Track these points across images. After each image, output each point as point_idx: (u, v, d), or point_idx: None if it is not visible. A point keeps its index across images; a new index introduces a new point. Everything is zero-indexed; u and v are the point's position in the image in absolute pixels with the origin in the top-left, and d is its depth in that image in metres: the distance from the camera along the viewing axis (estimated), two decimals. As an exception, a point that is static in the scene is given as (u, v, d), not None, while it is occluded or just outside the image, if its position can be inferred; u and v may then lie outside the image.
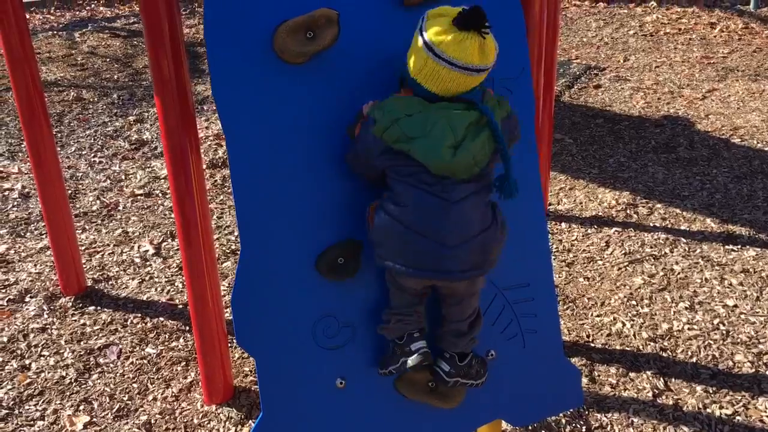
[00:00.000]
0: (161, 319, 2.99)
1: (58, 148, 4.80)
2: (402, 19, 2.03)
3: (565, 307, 2.98)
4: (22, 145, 4.83)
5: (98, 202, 4.05)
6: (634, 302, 2.98)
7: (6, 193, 4.15)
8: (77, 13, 8.34)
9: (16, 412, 2.51)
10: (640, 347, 2.72)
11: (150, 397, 2.57)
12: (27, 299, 3.14)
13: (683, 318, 2.88)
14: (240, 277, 1.96)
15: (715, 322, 2.85)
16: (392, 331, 1.99)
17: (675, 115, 5.04)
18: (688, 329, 2.81)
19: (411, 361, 1.94)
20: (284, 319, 2.00)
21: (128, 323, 2.97)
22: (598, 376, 2.59)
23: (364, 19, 2.03)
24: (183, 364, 2.72)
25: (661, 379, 2.57)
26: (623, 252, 3.35)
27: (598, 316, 2.92)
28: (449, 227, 1.79)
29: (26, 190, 4.18)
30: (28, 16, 8.23)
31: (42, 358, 2.77)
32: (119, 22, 7.85)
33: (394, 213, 1.82)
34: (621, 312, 2.93)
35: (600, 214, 3.71)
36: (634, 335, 2.79)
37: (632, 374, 2.59)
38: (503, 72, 2.11)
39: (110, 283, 3.27)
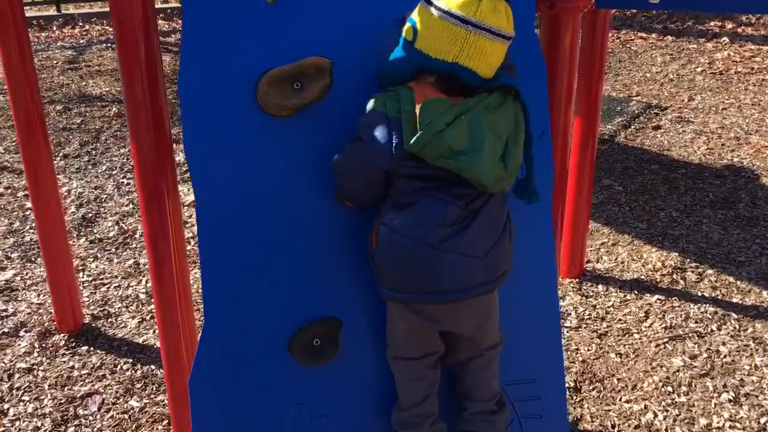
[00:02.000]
0: (152, 367, 2.80)
1: (90, 167, 4.72)
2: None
3: (591, 387, 2.67)
4: (56, 162, 4.77)
5: (116, 228, 3.92)
6: (670, 388, 2.65)
7: (27, 212, 4.07)
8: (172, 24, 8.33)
9: (-18, 465, 2.35)
10: (672, 445, 2.40)
11: (123, 460, 2.37)
12: (21, 333, 3.01)
13: (725, 413, 2.53)
14: (201, 353, 1.75)
15: (762, 420, 2.49)
16: None
17: (739, 165, 4.63)
18: (730, 427, 2.47)
19: None
20: (249, 405, 1.77)
21: (118, 369, 2.80)
22: (620, 477, 2.28)
23: (359, 67, 1.80)
24: (165, 422, 2.52)
25: (693, 487, 2.24)
26: (664, 326, 3.01)
27: (627, 401, 2.59)
28: (478, 237, 1.60)
29: (47, 210, 4.08)
30: (87, 27, 8.31)
31: (21, 403, 2.62)
32: (173, 37, 7.83)
33: (411, 231, 1.59)
34: (654, 399, 2.60)
35: (642, 277, 3.37)
36: (667, 429, 2.46)
37: (659, 478, 2.27)
38: (519, 135, 1.84)
39: (109, 320, 3.11)
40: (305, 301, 1.77)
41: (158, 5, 8.45)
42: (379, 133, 1.58)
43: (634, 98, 6.06)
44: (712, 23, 8.07)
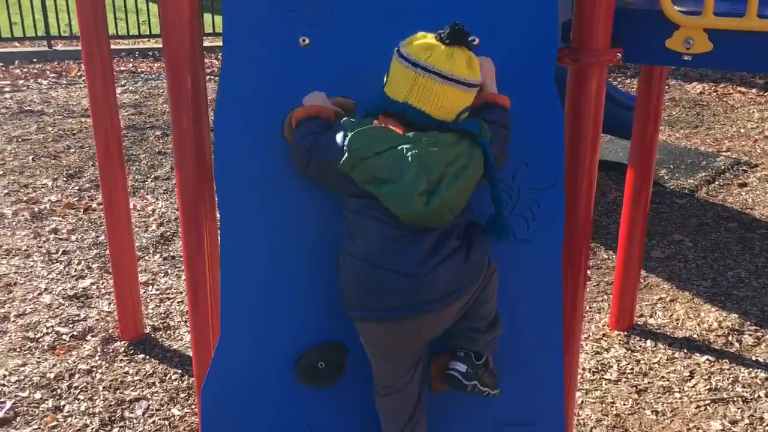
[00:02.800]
0: (198, 379, 2.97)
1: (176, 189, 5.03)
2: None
3: (620, 441, 2.63)
4: (147, 182, 5.12)
5: (190, 247, 4.17)
6: (702, 451, 2.57)
7: (114, 227, 4.38)
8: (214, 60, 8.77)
9: (33, 453, 2.57)
10: None
11: (156, 463, 2.53)
12: (87, 338, 3.26)
13: (758, 482, 2.43)
14: (214, 366, 1.88)
15: (798, 495, 2.38)
16: None
17: (824, 230, 4.42)
18: (761, 498, 2.37)
19: None
20: (255, 418, 1.89)
21: (167, 378, 2.98)
22: None
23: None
24: (200, 432, 2.67)
25: None
26: (708, 387, 2.91)
27: (655, 460, 2.54)
28: (416, 256, 1.66)
29: (134, 228, 4.38)
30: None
31: (76, 401, 2.84)
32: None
33: (356, 253, 1.71)
34: (684, 461, 2.53)
35: (695, 336, 3.28)
36: (692, 493, 2.39)
37: None
38: (533, 181, 1.91)
39: (167, 332, 3.32)
40: (314, 325, 1.88)
41: (207, 43, 8.86)
42: (335, 146, 1.70)
43: (723, 153, 5.88)
44: (819, 80, 7.73)
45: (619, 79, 8.04)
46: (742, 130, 6.44)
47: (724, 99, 7.32)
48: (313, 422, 1.88)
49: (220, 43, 1.91)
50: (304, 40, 1.88)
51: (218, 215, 2.06)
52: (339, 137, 1.70)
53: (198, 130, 2.09)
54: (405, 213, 1.63)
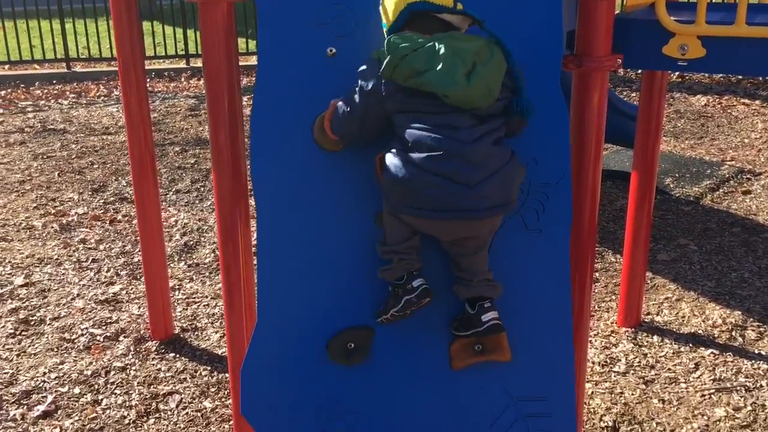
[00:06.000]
0: (227, 375, 3.13)
1: (197, 201, 5.23)
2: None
3: (629, 428, 2.77)
4: (168, 195, 5.31)
5: (212, 255, 4.35)
6: (707, 436, 2.71)
7: (139, 237, 4.56)
8: (252, 78, 9.04)
9: (75, 442, 2.73)
10: (700, 488, 2.46)
11: (191, 450, 2.69)
12: (120, 338, 3.43)
13: (760, 463, 2.57)
14: (253, 347, 2.05)
15: (798, 474, 2.52)
16: (394, 271, 2.00)
17: (826, 233, 4.56)
18: (763, 477, 2.51)
19: (415, 297, 1.96)
20: (290, 395, 2.05)
21: (197, 374, 3.15)
22: None
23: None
24: (231, 422, 2.83)
25: None
26: (712, 378, 3.05)
27: (662, 444, 2.68)
28: (468, 167, 1.83)
29: (156, 237, 4.57)
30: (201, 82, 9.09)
31: (113, 395, 3.00)
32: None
33: (409, 158, 1.85)
34: (690, 444, 2.67)
35: (700, 332, 3.42)
36: (698, 473, 2.53)
37: None
38: (541, 177, 2.08)
39: (195, 333, 3.49)
40: (345, 309, 2.05)
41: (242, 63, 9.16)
42: (371, 76, 1.89)
43: (728, 162, 6.03)
44: (821, 91, 7.89)
45: (625, 93, 8.22)
46: (746, 140, 6.59)
47: (728, 110, 7.48)
48: (344, 399, 2.04)
49: (254, 62, 2.10)
50: (331, 50, 2.07)
51: (254, 220, 2.22)
52: (373, 68, 1.89)
53: (234, 145, 2.27)
54: (450, 92, 1.80)
